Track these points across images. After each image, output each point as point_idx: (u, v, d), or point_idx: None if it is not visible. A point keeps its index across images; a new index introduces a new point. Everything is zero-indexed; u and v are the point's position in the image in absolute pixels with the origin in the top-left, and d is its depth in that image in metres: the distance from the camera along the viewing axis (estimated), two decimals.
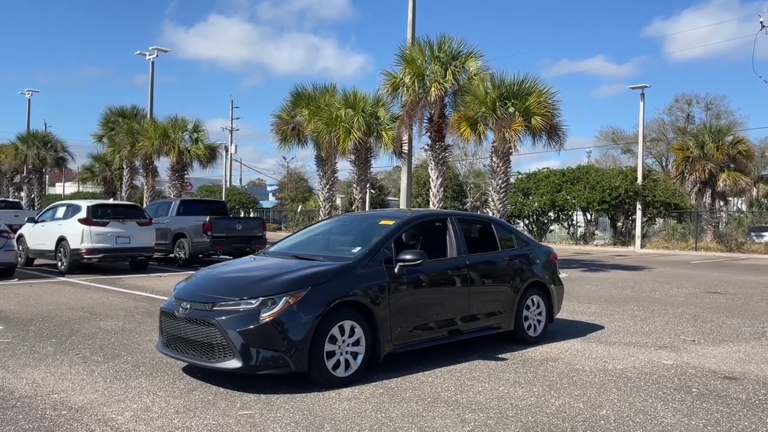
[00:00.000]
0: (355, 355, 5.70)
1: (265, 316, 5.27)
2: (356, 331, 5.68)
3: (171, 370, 6.09)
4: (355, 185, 22.48)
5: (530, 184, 37.19)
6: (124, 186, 34.09)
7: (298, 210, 51.45)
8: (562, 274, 17.34)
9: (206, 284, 5.94)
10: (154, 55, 33.42)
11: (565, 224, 37.91)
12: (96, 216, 15.28)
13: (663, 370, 6.49)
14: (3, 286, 12.52)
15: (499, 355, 6.89)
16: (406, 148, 21.17)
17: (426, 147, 20.10)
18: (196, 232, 17.64)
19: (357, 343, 5.71)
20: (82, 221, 15.07)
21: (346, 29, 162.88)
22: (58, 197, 49.60)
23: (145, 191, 32.10)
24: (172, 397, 5.24)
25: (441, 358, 6.67)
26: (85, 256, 15.03)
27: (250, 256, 7.41)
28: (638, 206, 33.00)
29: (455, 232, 6.92)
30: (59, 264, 15.38)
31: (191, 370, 5.99)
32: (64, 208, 16.21)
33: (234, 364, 5.27)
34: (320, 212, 23.87)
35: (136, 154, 30.57)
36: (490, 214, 18.69)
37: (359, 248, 6.20)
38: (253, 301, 5.35)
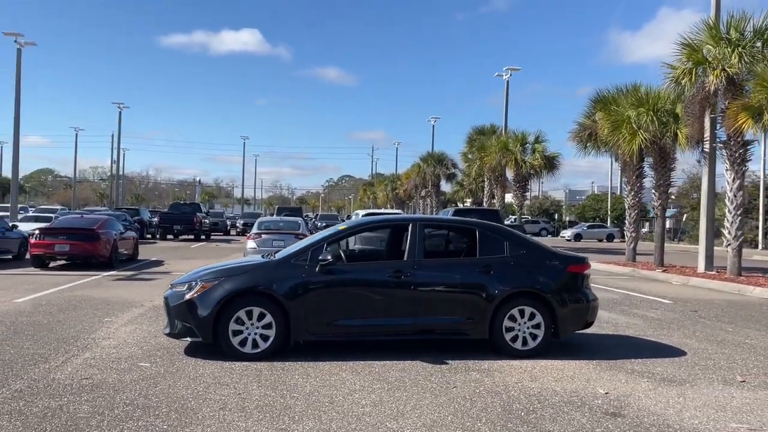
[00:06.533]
0: (266, 337, 6.73)
1: (186, 296, 6.84)
2: (267, 317, 6.72)
3: None
4: (654, 191, 20.44)
5: None
6: (485, 197, 37.42)
7: (683, 219, 46.91)
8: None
9: (193, 272, 7.74)
10: (508, 75, 35.85)
11: None
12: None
13: (574, 396, 5.63)
14: None
15: (448, 361, 6.74)
16: (707, 147, 18.47)
17: (720, 144, 17.31)
18: None
19: (269, 327, 6.74)
20: None
21: None
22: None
23: (495, 201, 34.73)
24: (166, 353, 7.20)
25: (394, 353, 6.89)
26: None
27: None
28: None
29: (414, 237, 7.05)
30: None
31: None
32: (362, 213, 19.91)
33: (167, 330, 7.01)
34: (625, 220, 22.45)
35: (484, 167, 33.51)
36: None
37: (293, 249, 7.15)
38: (186, 285, 6.98)
